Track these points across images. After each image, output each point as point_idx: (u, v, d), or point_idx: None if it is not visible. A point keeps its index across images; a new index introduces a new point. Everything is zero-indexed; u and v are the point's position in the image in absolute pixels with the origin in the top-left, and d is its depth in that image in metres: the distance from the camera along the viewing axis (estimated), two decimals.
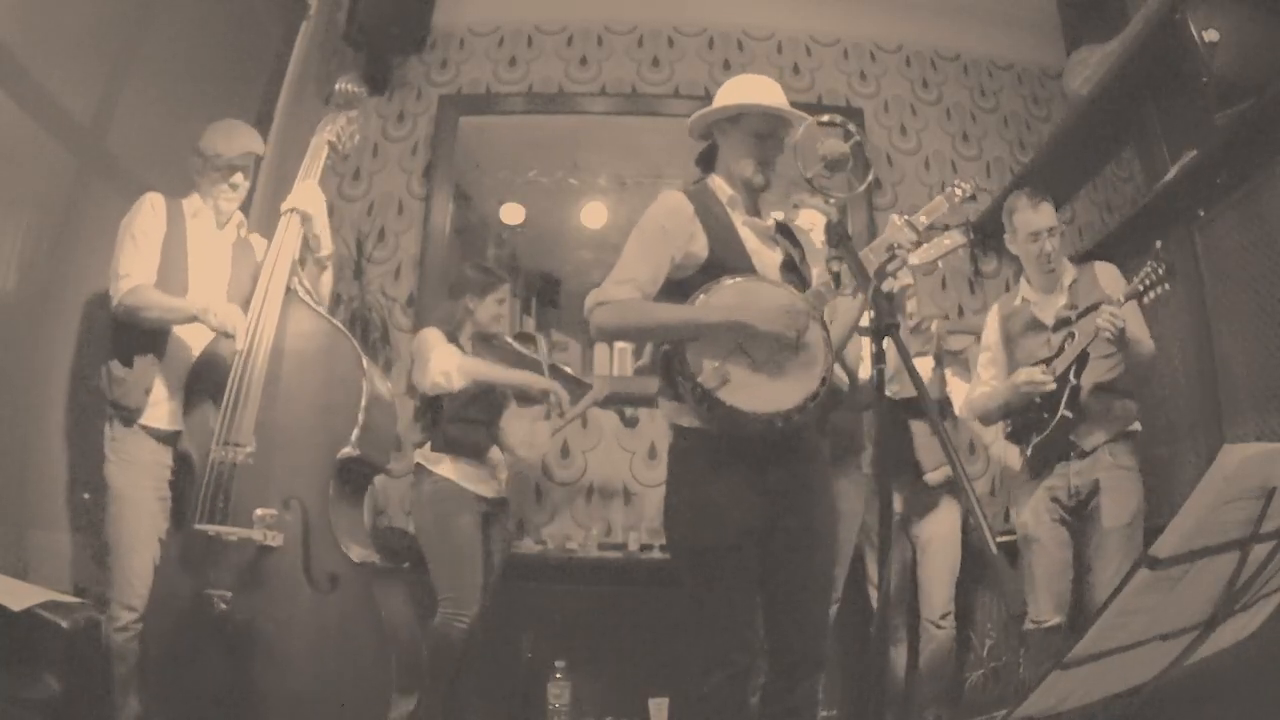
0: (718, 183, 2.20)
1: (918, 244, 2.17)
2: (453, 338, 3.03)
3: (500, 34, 4.67)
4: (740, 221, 2.16)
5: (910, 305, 3.20)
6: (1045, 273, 2.86)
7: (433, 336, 3.01)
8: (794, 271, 2.18)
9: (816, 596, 2.08)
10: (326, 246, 2.63)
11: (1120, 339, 2.52)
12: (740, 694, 2.00)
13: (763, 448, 2.00)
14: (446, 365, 2.90)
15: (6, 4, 2.42)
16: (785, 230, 2.27)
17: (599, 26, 4.68)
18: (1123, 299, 2.53)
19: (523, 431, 3.27)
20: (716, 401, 1.94)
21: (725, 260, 2.08)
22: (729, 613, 2.00)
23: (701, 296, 2.02)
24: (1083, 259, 3.17)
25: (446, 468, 2.94)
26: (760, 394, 1.96)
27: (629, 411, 3.67)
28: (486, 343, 3.15)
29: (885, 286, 2.14)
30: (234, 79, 3.60)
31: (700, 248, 2.09)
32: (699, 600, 2.02)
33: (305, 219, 2.52)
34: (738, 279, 2.05)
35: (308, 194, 2.54)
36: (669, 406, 2.09)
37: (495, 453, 3.09)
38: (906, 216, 2.14)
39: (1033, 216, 2.82)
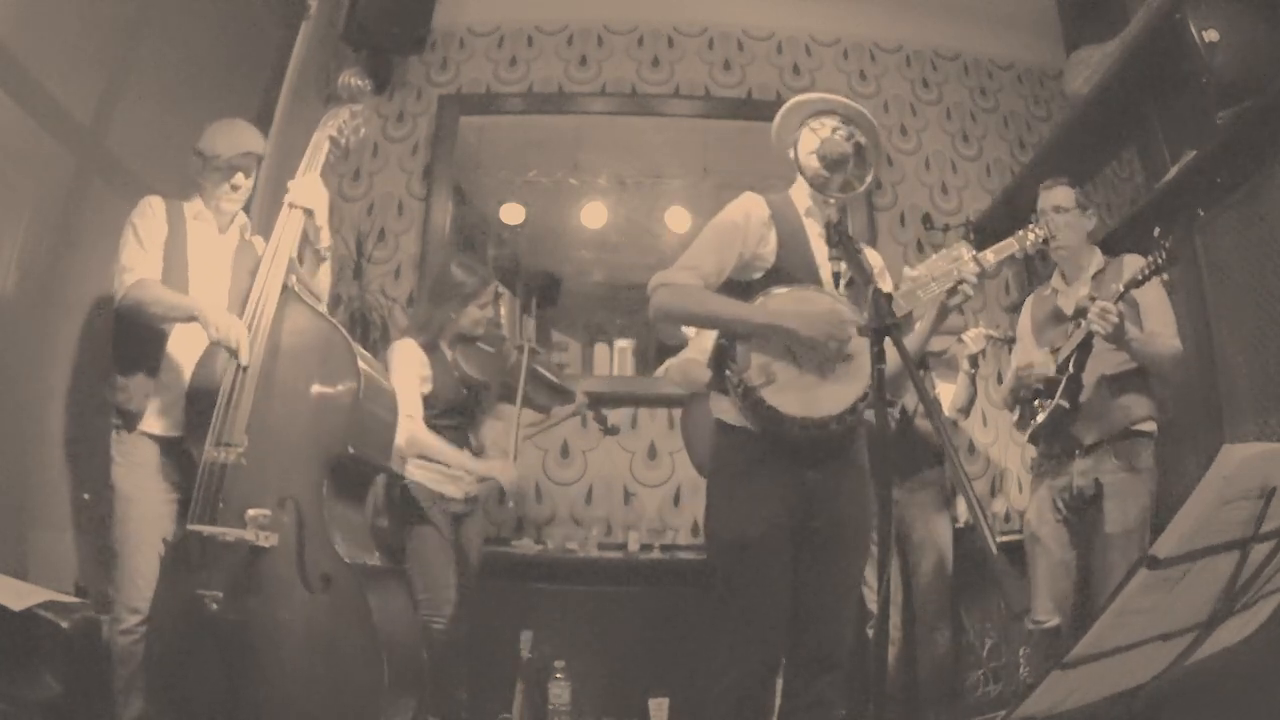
0: (798, 192, 2.23)
1: (980, 278, 2.13)
2: (432, 345, 2.98)
3: (500, 34, 4.67)
4: (815, 233, 2.18)
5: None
6: (1061, 259, 2.85)
7: (402, 367, 2.87)
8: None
9: (839, 598, 2.10)
10: (326, 239, 2.59)
11: (1115, 335, 2.45)
12: (756, 694, 2.00)
13: (800, 449, 2.02)
14: (400, 437, 2.69)
15: (6, 4, 2.42)
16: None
17: (599, 26, 4.68)
18: (1121, 288, 2.47)
19: (494, 434, 3.26)
20: (759, 400, 1.99)
21: (792, 268, 2.12)
22: (752, 610, 2.01)
23: (760, 298, 2.06)
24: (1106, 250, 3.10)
25: (412, 470, 2.90)
26: (802, 398, 2.00)
27: (610, 421, 3.61)
28: (469, 344, 3.08)
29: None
30: (234, 79, 3.60)
31: (769, 252, 2.13)
32: (725, 596, 2.04)
33: (307, 213, 2.47)
34: (799, 287, 2.08)
35: (310, 188, 2.48)
36: (717, 401, 2.13)
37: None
38: (974, 253, 2.13)
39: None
